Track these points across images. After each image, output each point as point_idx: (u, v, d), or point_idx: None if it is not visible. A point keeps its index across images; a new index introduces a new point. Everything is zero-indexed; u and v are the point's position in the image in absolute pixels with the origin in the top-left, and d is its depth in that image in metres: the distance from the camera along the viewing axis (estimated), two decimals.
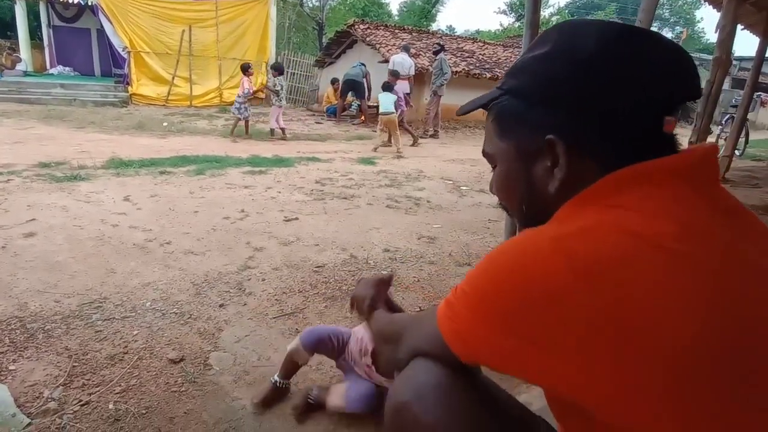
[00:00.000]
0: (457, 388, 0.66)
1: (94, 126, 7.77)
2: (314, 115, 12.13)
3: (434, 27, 28.31)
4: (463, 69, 11.60)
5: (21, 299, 2.14)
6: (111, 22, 11.07)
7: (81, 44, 14.68)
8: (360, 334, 1.58)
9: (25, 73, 12.63)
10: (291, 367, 1.61)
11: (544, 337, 0.51)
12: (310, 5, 24.82)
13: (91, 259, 2.63)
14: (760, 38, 6.00)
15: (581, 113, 0.59)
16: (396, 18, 30.40)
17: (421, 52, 11.73)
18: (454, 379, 0.66)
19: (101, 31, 12.05)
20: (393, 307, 1.06)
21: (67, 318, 2.02)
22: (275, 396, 1.59)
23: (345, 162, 6.33)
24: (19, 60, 12.91)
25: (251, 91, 7.85)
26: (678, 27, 40.02)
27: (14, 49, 13.36)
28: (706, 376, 0.46)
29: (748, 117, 7.20)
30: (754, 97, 8.63)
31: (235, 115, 7.69)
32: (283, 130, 7.99)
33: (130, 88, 11.26)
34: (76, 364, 1.72)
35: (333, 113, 11.36)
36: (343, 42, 13.70)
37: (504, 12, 33.51)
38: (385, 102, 7.48)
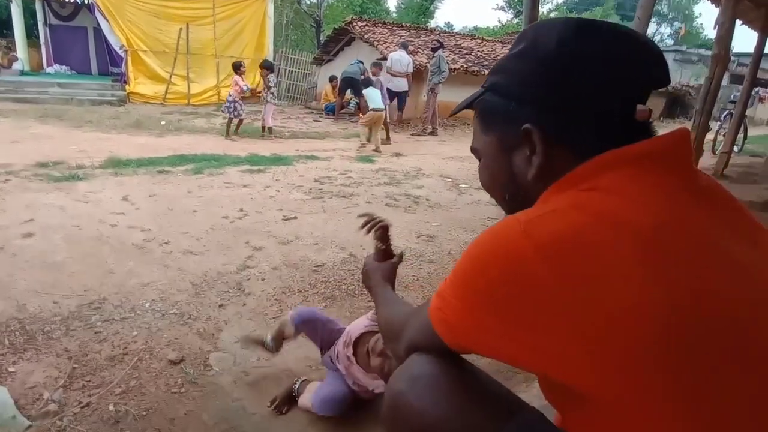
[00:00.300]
0: (448, 375, 0.69)
1: (92, 125, 7.74)
2: (312, 113, 12.09)
3: (432, 24, 28.22)
4: (462, 66, 11.57)
5: (20, 300, 2.14)
6: (108, 21, 11.00)
7: (78, 43, 14.58)
8: (350, 328, 1.57)
9: (22, 72, 12.56)
10: (278, 336, 1.68)
11: (522, 318, 0.54)
12: (308, 2, 24.73)
13: (90, 259, 2.63)
14: (758, 34, 6.00)
15: (552, 106, 0.63)
16: (394, 15, 30.30)
17: (419, 49, 11.69)
18: (445, 367, 0.70)
19: (98, 30, 11.96)
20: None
21: (66, 319, 2.01)
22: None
23: (344, 160, 6.32)
24: (16, 59, 12.82)
25: (250, 89, 7.74)
26: (676, 23, 39.99)
27: (11, 47, 13.27)
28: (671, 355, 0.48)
29: (746, 113, 7.21)
30: (753, 92, 8.64)
31: (227, 114, 7.45)
32: (270, 128, 7.92)
33: (127, 86, 11.20)
34: (76, 365, 1.72)
35: (331, 111, 11.33)
36: (341, 39, 13.66)
37: (502, 8, 33.38)
38: (376, 98, 7.27)
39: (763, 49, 6.14)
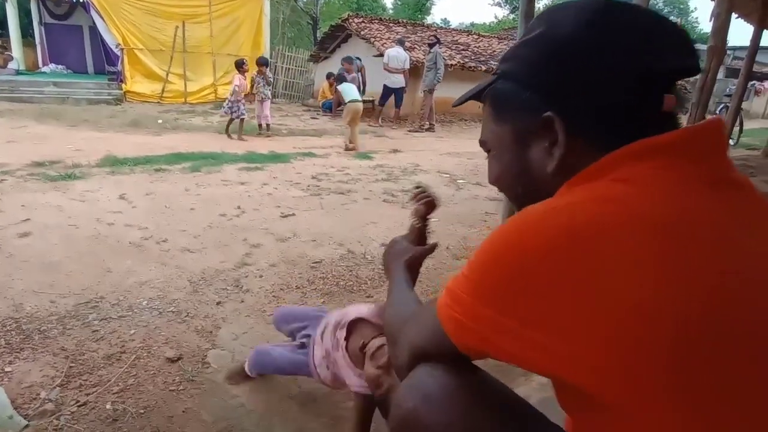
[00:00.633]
0: (462, 386, 0.64)
1: (88, 124, 7.71)
2: (310, 110, 12.08)
3: (429, 20, 28.16)
4: (458, 62, 11.55)
5: (16, 300, 2.13)
6: (103, 19, 10.94)
7: (73, 42, 14.52)
8: (347, 310, 1.44)
9: (18, 72, 12.50)
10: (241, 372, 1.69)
11: (535, 314, 0.50)
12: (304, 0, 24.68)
13: (87, 258, 2.62)
14: (754, 27, 6.00)
15: (572, 94, 0.59)
16: (390, 11, 30.24)
17: (415, 46, 11.66)
18: (457, 378, 0.65)
19: (93, 29, 11.91)
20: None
21: (63, 318, 2.01)
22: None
23: (341, 157, 6.31)
24: (11, 58, 12.76)
25: (247, 87, 7.68)
26: (672, 17, 40.02)
27: (6, 47, 13.18)
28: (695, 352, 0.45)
29: (742, 106, 7.21)
30: (749, 86, 8.66)
31: (229, 115, 7.37)
32: (268, 126, 7.89)
33: (123, 85, 11.15)
34: (72, 364, 1.72)
35: (329, 108, 11.30)
36: (337, 36, 13.62)
37: (499, 4, 33.42)
38: (350, 91, 7.01)
39: (759, 42, 6.14)
